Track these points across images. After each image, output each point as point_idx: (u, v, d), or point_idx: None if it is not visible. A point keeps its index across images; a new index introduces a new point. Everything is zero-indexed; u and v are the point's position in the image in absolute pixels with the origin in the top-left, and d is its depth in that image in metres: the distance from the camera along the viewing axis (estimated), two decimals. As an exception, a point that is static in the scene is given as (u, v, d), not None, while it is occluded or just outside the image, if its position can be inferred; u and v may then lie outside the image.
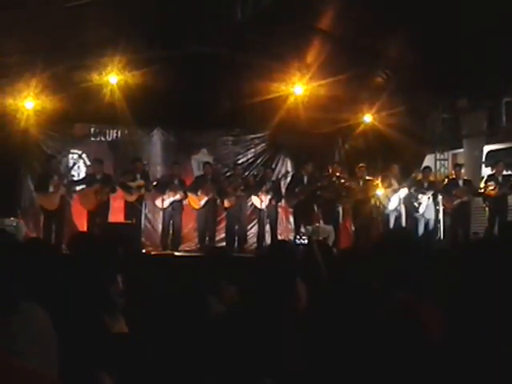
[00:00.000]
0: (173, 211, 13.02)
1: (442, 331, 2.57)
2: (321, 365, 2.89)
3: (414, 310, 2.77)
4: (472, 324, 2.51)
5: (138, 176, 12.74)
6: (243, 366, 3.31)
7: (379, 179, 13.40)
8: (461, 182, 13.11)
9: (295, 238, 13.27)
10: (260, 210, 13.41)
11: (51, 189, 12.01)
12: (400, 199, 13.16)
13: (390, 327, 2.70)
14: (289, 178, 14.69)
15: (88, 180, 12.75)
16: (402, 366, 2.58)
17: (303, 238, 12.93)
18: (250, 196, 13.55)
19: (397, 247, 3.30)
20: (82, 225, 12.75)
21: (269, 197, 13.31)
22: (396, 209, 13.23)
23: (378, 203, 13.35)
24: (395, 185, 13.20)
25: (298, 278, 4.65)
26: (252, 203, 13.77)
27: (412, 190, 13.11)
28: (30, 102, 12.91)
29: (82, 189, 12.59)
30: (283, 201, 14.03)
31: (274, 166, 15.32)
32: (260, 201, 13.26)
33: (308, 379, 2.97)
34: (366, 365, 2.66)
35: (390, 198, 13.18)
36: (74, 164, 14.05)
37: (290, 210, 14.29)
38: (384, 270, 3.16)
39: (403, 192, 13.10)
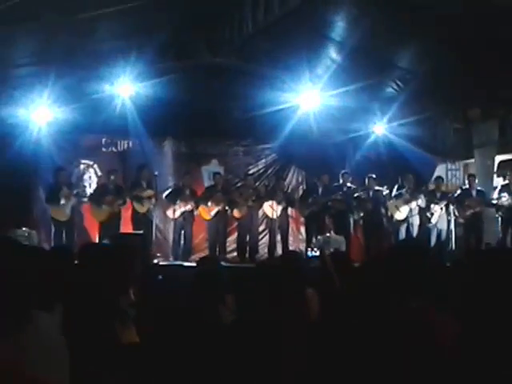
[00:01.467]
0: (184, 221, 13.01)
1: (457, 342, 2.54)
2: (332, 374, 2.87)
3: (429, 322, 2.74)
4: (485, 334, 2.49)
5: (145, 184, 12.76)
6: (254, 375, 3.30)
7: (388, 189, 13.40)
8: (474, 193, 13.05)
9: (307, 249, 13.23)
10: (271, 219, 13.39)
11: (62, 200, 12.07)
12: (411, 209, 13.12)
13: (404, 339, 2.67)
14: (301, 188, 14.68)
15: (100, 191, 12.79)
16: (415, 377, 2.55)
17: (315, 250, 12.91)
18: (262, 206, 13.54)
19: (409, 257, 3.28)
20: (94, 235, 12.80)
21: (280, 207, 13.29)
22: (406, 219, 13.19)
23: (388, 213, 13.33)
24: (406, 195, 13.17)
25: (311, 288, 4.64)
26: (264, 213, 13.75)
27: (425, 201, 13.07)
28: (41, 113, 12.97)
29: (95, 200, 12.59)
30: (295, 210, 14.01)
31: (284, 176, 15.31)
32: (272, 210, 13.23)
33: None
34: (379, 375, 2.63)
35: (400, 208, 13.15)
36: (89, 175, 14.06)
37: (301, 220, 14.27)
38: (397, 280, 3.13)
39: (416, 202, 13.06)
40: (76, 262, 3.93)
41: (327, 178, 13.73)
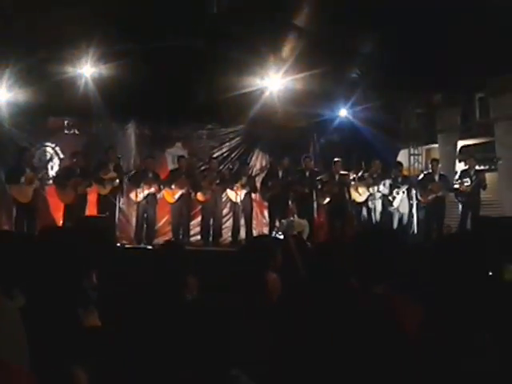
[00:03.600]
0: (147, 204, 12.95)
1: (420, 325, 2.57)
2: (292, 357, 2.89)
3: (391, 305, 2.77)
4: (446, 317, 2.52)
5: (112, 166, 12.67)
6: (212, 357, 3.32)
7: (353, 174, 13.49)
8: (437, 177, 13.21)
9: (271, 232, 13.28)
10: (235, 203, 13.41)
11: (23, 181, 11.88)
12: (372, 194, 13.27)
13: (366, 322, 2.70)
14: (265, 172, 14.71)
15: (66, 173, 12.65)
16: (377, 361, 2.58)
17: (279, 233, 12.94)
18: (226, 190, 13.55)
19: (375, 243, 3.28)
20: (59, 218, 12.69)
21: (244, 191, 13.32)
22: (366, 202, 13.34)
23: (351, 197, 13.43)
24: (369, 179, 13.29)
25: (274, 272, 4.66)
26: (227, 197, 13.78)
27: (388, 188, 13.21)
28: (2, 94, 12.77)
29: (61, 182, 12.46)
30: (257, 194, 14.04)
31: (249, 160, 15.31)
32: (235, 194, 13.26)
33: (278, 371, 2.97)
34: (338, 359, 2.65)
35: (359, 190, 13.28)
36: (51, 158, 13.87)
37: (265, 203, 14.29)
38: (361, 264, 3.15)
39: (378, 188, 13.21)
40: (37, 245, 3.90)
41: (287, 161, 13.79)
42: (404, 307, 2.80)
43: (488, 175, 13.11)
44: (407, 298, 2.92)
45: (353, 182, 13.36)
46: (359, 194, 13.29)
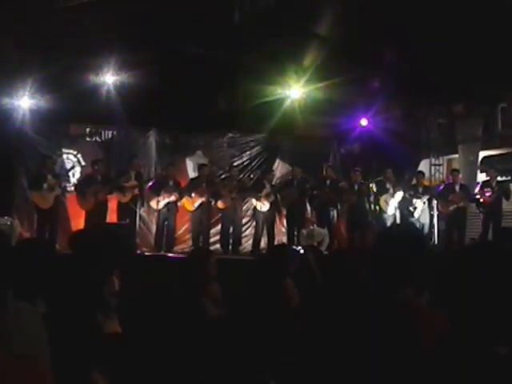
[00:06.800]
0: (167, 212, 12.97)
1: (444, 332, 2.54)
2: (317, 366, 2.88)
3: (413, 312, 2.74)
4: (466, 328, 2.50)
5: (133, 174, 12.72)
6: (246, 366, 3.31)
7: (373, 183, 13.42)
8: (457, 188, 13.12)
9: (290, 241, 13.20)
10: (260, 213, 13.36)
11: (45, 187, 11.98)
12: (398, 202, 13.20)
13: (387, 328, 2.67)
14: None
15: (87, 181, 12.72)
16: (397, 367, 2.55)
17: (299, 247, 12.86)
18: (245, 198, 13.54)
19: (402, 245, 3.17)
20: (80, 225, 12.75)
21: (270, 200, 13.27)
22: (394, 214, 13.25)
23: (373, 207, 13.35)
24: (391, 189, 13.23)
25: (290, 279, 4.66)
26: (247, 206, 13.77)
27: (407, 195, 13.14)
28: (25, 102, 12.89)
29: (81, 190, 12.55)
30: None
31: (269, 168, 15.29)
32: (261, 204, 13.22)
33: (307, 379, 2.96)
34: (359, 367, 2.64)
35: (389, 202, 13.19)
36: (73, 165, 13.98)
37: (284, 212, 14.25)
38: (384, 268, 3.06)
39: (398, 196, 13.13)
40: (67, 251, 3.93)
41: (299, 171, 13.73)
42: (433, 317, 2.75)
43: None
44: (434, 307, 2.88)
45: (381, 197, 13.24)
46: (389, 206, 13.19)
